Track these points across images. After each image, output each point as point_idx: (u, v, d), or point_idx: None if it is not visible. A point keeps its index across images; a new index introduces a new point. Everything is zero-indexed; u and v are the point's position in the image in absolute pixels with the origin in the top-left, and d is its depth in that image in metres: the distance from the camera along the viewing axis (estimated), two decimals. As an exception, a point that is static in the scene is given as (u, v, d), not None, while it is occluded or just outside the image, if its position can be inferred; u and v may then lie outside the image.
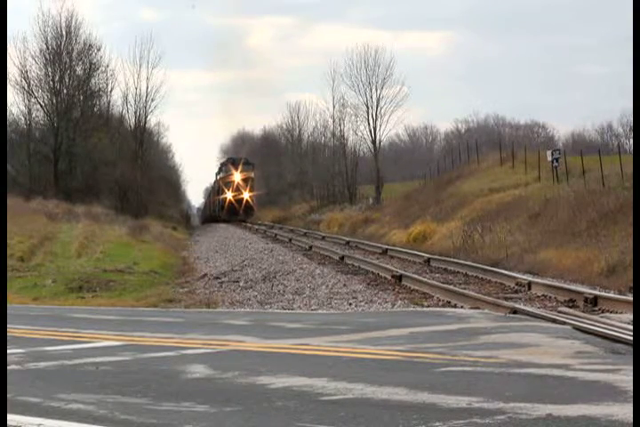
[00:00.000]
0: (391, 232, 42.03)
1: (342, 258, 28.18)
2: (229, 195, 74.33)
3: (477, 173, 48.59)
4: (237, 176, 74.29)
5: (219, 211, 77.34)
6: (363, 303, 17.42)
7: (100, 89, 62.65)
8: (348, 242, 37.45)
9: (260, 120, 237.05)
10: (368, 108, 65.98)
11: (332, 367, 8.86)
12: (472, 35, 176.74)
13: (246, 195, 74.22)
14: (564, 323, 12.23)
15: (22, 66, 56.48)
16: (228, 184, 74.67)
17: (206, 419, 6.50)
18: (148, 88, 61.85)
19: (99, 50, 59.46)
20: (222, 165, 79.75)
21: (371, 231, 45.75)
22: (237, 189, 74.21)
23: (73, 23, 57.29)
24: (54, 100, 56.98)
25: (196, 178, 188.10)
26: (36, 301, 20.73)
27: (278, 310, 16.95)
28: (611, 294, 16.46)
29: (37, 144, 57.40)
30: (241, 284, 22.51)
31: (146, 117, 63.27)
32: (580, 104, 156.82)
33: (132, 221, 44.82)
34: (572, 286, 18.16)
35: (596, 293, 16.52)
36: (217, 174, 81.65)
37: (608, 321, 12.15)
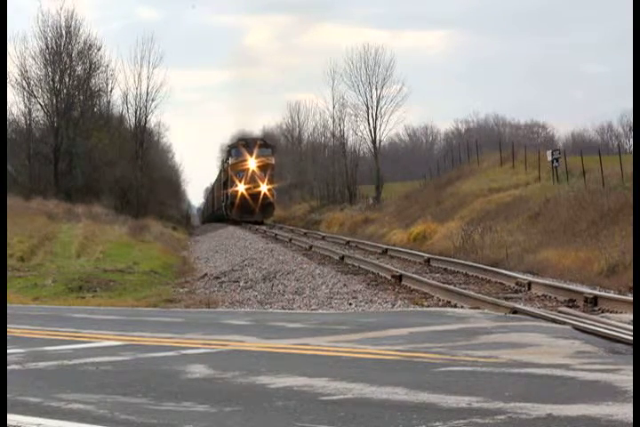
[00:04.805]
0: (391, 232, 42.04)
1: (342, 258, 28.16)
2: (242, 187, 58.56)
3: (477, 173, 48.59)
4: (252, 163, 58.50)
5: (227, 208, 61.47)
6: (363, 303, 17.42)
7: (99, 89, 62.77)
8: (347, 242, 37.44)
9: (260, 120, 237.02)
10: (368, 107, 66.12)
11: (332, 367, 8.86)
12: (472, 34, 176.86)
13: (264, 187, 58.71)
14: (564, 323, 12.23)
15: (22, 66, 56.63)
16: (240, 173, 58.69)
17: (206, 419, 6.50)
18: (148, 88, 62.00)
19: (99, 49, 59.64)
20: (232, 148, 61.61)
21: (371, 231, 45.74)
22: (253, 180, 58.48)
23: (73, 23, 57.47)
24: (54, 100, 57.03)
25: (196, 178, 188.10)
26: (36, 301, 20.72)
27: (278, 310, 16.95)
28: (611, 294, 16.46)
29: (37, 144, 57.46)
30: (241, 284, 22.51)
31: (146, 117, 63.41)
32: (580, 104, 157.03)
33: (132, 221, 44.83)
34: (572, 286, 18.16)
35: (596, 293, 16.52)
36: (224, 161, 65.29)
37: (608, 321, 12.15)
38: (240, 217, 58.21)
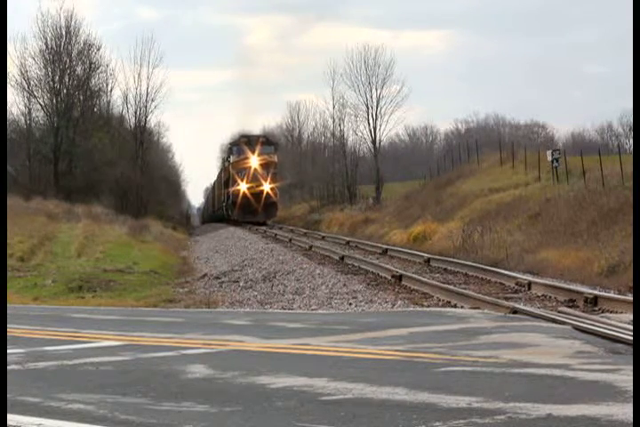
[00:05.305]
0: (391, 232, 42.03)
1: (342, 258, 28.15)
2: (244, 186, 56.93)
3: (477, 173, 48.59)
4: (254, 161, 56.78)
5: (228, 208, 59.99)
6: (363, 303, 17.41)
7: (99, 89, 62.84)
8: (347, 242, 37.43)
9: (261, 120, 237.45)
10: (368, 108, 66.10)
11: (332, 367, 8.85)
12: (472, 34, 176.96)
13: (267, 186, 57.19)
14: (564, 323, 12.22)
15: (22, 66, 56.70)
16: (242, 172, 56.93)
17: (206, 419, 6.50)
18: (148, 88, 62.03)
19: (98, 49, 59.74)
20: (233, 145, 59.76)
21: (371, 231, 45.73)
22: (255, 179, 56.82)
23: (72, 23, 57.57)
24: (54, 100, 57.08)
25: (196, 178, 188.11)
26: (36, 301, 20.71)
27: (278, 310, 16.95)
28: (611, 294, 16.46)
29: (37, 144, 57.50)
30: (241, 284, 22.51)
31: (146, 117, 63.44)
32: (579, 104, 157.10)
33: (132, 221, 44.84)
34: (572, 286, 18.15)
35: (596, 293, 16.52)
36: (225, 160, 63.88)
37: (608, 321, 12.15)
38: (242, 217, 56.49)
